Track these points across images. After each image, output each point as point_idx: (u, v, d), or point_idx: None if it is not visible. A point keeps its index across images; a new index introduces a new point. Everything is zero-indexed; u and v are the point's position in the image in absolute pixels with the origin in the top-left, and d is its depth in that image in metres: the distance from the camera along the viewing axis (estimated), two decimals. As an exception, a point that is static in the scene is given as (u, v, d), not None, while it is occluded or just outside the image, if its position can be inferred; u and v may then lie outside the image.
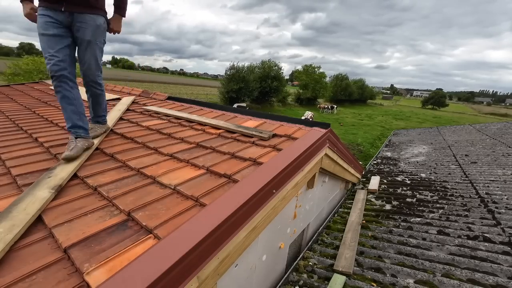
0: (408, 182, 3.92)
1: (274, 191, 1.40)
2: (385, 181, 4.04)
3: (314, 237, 2.48)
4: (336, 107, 27.72)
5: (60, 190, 1.34)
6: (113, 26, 1.94)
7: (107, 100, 2.50)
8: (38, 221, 1.13)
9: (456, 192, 3.32)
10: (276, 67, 25.54)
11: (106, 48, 1.98)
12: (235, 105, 18.40)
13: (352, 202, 3.21)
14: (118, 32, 2.01)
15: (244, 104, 18.83)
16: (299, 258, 2.12)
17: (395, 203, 3.16)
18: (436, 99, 51.80)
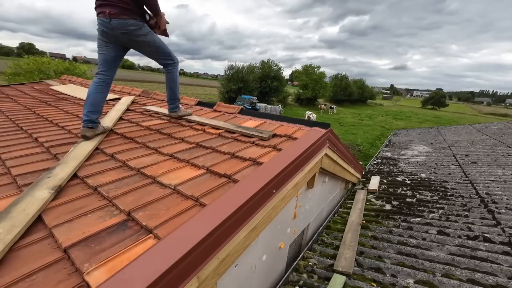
0: (408, 182, 3.92)
1: (274, 191, 1.40)
2: (385, 181, 4.04)
3: (314, 237, 2.48)
4: (335, 107, 27.78)
5: (60, 190, 1.34)
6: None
7: (106, 100, 2.51)
8: (38, 221, 1.13)
9: (456, 192, 3.32)
10: (276, 67, 25.56)
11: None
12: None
13: (352, 202, 3.21)
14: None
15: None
16: (299, 258, 2.12)
17: (395, 203, 3.16)
18: (436, 99, 51.78)
